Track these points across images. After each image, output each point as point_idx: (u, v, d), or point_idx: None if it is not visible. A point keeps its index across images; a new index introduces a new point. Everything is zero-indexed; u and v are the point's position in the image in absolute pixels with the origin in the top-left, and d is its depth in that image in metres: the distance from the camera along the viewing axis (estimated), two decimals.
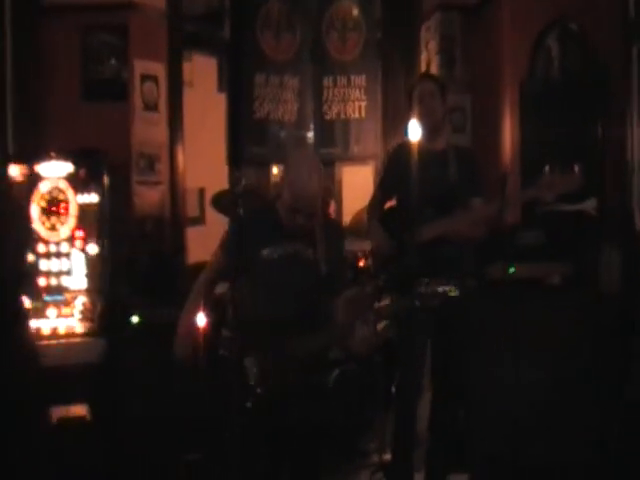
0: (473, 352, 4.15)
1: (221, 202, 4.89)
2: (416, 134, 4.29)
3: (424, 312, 3.99)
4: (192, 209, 6.14)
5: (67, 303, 4.66)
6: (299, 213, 3.28)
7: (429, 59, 6.36)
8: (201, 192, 6.19)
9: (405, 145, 4.39)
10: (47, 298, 4.66)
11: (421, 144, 4.23)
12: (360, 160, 6.93)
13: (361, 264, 5.45)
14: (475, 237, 4.00)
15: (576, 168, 3.72)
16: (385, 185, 4.45)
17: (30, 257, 4.64)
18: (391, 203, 4.46)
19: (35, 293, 4.62)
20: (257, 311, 3.20)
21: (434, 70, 6.15)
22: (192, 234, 5.94)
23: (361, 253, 5.44)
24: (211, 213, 5.26)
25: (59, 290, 4.69)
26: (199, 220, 6.10)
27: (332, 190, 6.14)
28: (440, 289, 4.01)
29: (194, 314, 3.36)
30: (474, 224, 3.96)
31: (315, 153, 3.73)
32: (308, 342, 3.24)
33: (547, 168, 3.76)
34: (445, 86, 4.36)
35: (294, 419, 3.24)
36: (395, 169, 4.35)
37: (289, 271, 3.31)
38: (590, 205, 4.00)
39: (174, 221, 5.87)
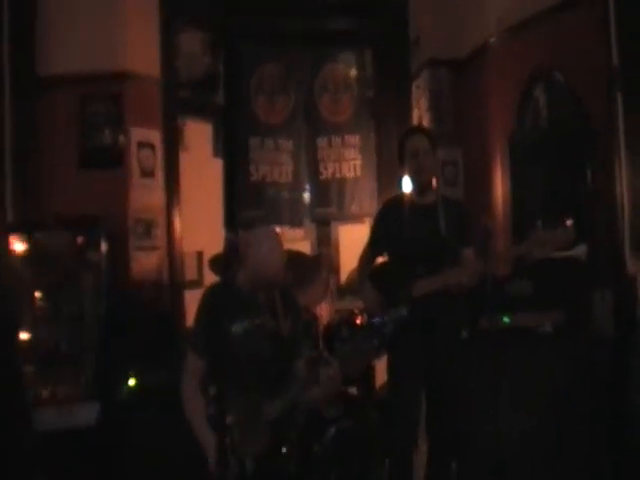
0: (466, 403, 4.13)
1: (218, 265, 4.97)
2: (409, 189, 4.32)
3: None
4: (190, 272, 6.17)
5: (65, 367, 4.67)
6: (259, 288, 3.37)
7: (421, 115, 6.44)
8: (199, 255, 6.22)
9: (394, 200, 4.42)
10: (45, 363, 4.65)
11: (411, 198, 4.26)
12: (356, 219, 6.96)
13: (358, 321, 5.42)
14: (465, 288, 3.95)
15: (568, 222, 3.69)
16: (375, 241, 4.42)
17: (29, 322, 4.66)
18: (382, 259, 4.48)
19: (34, 358, 4.62)
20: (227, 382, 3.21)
21: (426, 126, 6.19)
22: (191, 297, 5.95)
23: (358, 310, 5.41)
24: (209, 276, 5.31)
25: (57, 355, 4.70)
26: (197, 283, 6.11)
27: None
28: None
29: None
30: (465, 278, 3.94)
31: (276, 230, 3.82)
32: (275, 404, 3.29)
33: (539, 224, 3.74)
34: (435, 139, 4.34)
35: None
36: (384, 225, 4.35)
37: (255, 344, 3.38)
38: (580, 251, 4.00)
39: (172, 284, 5.90)
